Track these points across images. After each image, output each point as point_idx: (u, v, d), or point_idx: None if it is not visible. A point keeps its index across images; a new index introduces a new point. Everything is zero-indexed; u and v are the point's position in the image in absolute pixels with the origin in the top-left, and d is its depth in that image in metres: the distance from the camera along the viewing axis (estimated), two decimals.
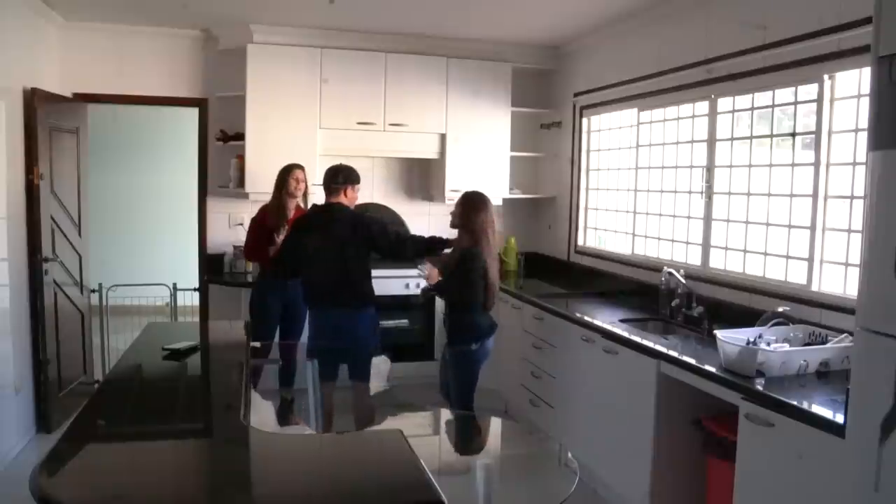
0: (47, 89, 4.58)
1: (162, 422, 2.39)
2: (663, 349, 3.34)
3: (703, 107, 4.10)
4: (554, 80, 5.91)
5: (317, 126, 5.30)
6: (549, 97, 5.97)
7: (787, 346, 2.91)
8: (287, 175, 4.60)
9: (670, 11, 4.27)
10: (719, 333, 2.98)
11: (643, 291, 4.49)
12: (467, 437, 3.28)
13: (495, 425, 3.92)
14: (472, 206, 3.82)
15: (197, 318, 5.67)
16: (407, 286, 5.30)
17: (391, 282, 5.17)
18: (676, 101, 4.31)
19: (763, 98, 3.70)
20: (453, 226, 3.93)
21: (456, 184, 5.53)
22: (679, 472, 3.31)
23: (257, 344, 3.73)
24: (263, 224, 4.60)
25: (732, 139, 3.90)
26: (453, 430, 3.47)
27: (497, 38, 5.50)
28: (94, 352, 5.35)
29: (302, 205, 4.73)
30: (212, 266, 5.51)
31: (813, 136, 3.34)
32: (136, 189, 7.88)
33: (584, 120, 5.45)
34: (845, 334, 2.88)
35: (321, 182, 4.11)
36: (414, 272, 4.67)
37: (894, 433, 1.94)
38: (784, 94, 3.56)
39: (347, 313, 3.93)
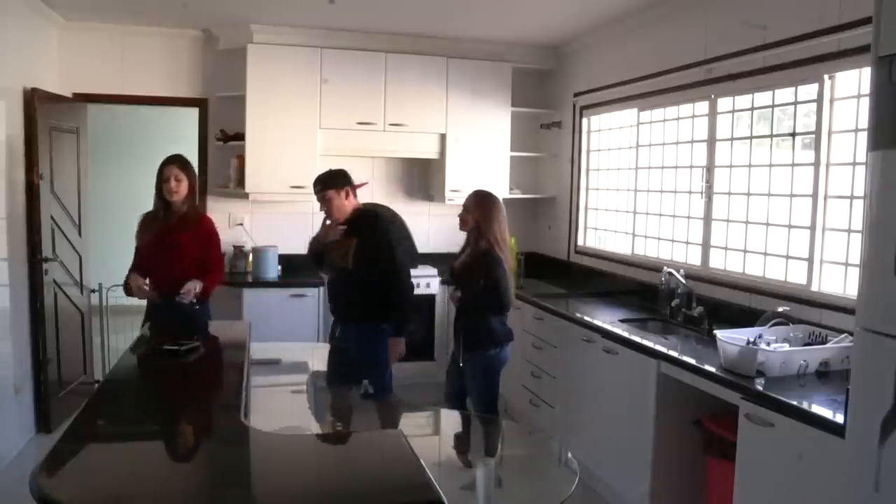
0: (47, 89, 4.58)
1: (162, 422, 2.39)
2: (663, 349, 3.34)
3: (703, 107, 4.10)
4: (554, 80, 5.91)
5: (317, 126, 5.30)
6: (549, 97, 5.97)
7: (787, 346, 2.91)
8: (159, 176, 3.78)
9: (670, 11, 4.27)
10: (719, 333, 2.98)
11: (643, 291, 4.49)
12: (467, 437, 3.28)
13: (495, 425, 3.92)
14: (490, 208, 3.66)
15: None
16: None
17: None
18: (676, 101, 4.31)
19: (763, 98, 3.70)
20: (465, 228, 3.75)
21: (456, 184, 5.54)
22: (679, 472, 3.31)
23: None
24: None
25: (732, 139, 3.90)
26: (453, 429, 3.47)
27: (497, 38, 5.50)
28: (94, 352, 5.35)
29: (180, 207, 3.77)
30: None
31: (813, 136, 3.34)
32: (136, 189, 7.83)
33: (584, 120, 5.45)
34: (845, 334, 2.88)
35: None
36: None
37: (894, 433, 1.94)
38: (784, 94, 3.56)
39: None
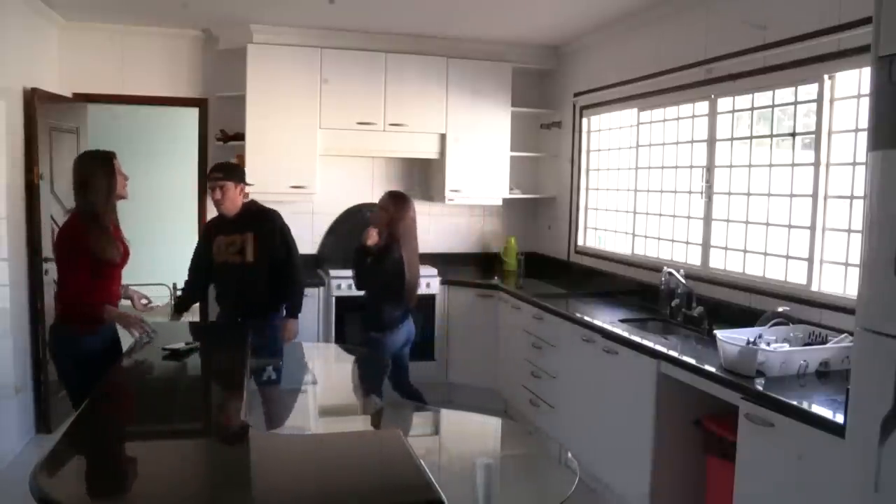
0: (47, 89, 4.58)
1: (162, 422, 2.39)
2: (663, 349, 3.34)
3: (703, 107, 4.10)
4: (554, 80, 5.91)
5: (317, 126, 5.29)
6: (549, 97, 5.97)
7: (787, 346, 2.91)
8: (113, 169, 3.36)
9: (670, 11, 4.27)
10: (719, 333, 2.98)
11: (643, 291, 4.49)
12: (467, 437, 3.28)
13: (495, 425, 3.92)
14: (400, 206, 4.06)
15: (197, 318, 5.66)
16: None
17: None
18: (676, 101, 4.31)
19: (763, 98, 3.70)
20: (376, 224, 4.08)
21: (456, 184, 5.54)
22: (679, 472, 3.31)
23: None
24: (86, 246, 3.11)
25: (732, 139, 3.90)
26: (453, 430, 3.47)
27: (497, 38, 5.50)
28: None
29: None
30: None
31: (813, 136, 3.34)
32: (136, 189, 7.72)
33: (584, 120, 5.45)
34: (845, 334, 2.88)
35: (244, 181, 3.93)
36: None
37: (894, 433, 1.94)
38: (784, 94, 3.56)
39: None
